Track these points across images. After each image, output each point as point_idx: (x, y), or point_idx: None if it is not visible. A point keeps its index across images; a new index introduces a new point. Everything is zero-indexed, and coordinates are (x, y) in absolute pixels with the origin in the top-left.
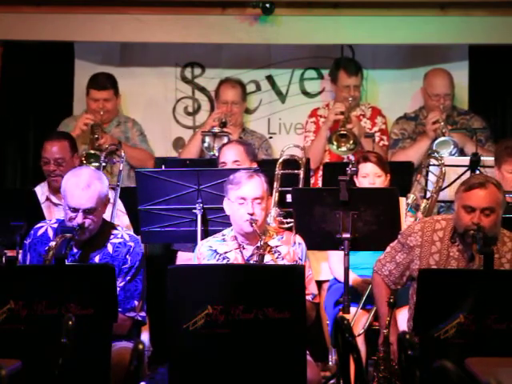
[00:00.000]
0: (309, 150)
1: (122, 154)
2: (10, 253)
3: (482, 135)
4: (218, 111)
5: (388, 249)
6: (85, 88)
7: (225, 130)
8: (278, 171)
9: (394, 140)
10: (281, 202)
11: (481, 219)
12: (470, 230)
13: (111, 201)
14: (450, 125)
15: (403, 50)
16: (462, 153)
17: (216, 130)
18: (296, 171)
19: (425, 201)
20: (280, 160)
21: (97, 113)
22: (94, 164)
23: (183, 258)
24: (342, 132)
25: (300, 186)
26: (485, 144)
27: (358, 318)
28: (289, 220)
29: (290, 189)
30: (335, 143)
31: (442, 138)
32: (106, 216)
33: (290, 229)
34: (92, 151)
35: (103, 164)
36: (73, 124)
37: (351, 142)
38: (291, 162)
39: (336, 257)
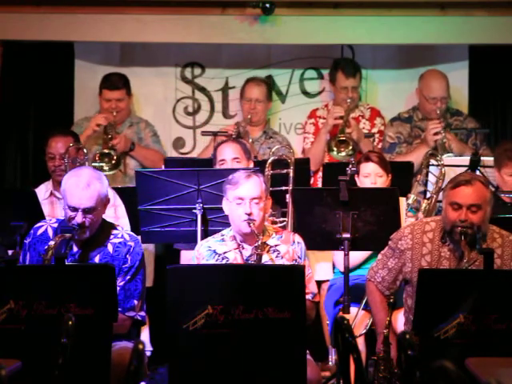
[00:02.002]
0: (308, 152)
1: (84, 152)
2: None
3: (477, 138)
4: (232, 125)
5: (379, 256)
6: (84, 88)
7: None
8: (268, 172)
9: (389, 144)
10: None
11: (468, 216)
12: (457, 226)
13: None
14: (448, 130)
15: (403, 50)
16: None
17: (233, 131)
18: (286, 170)
19: (425, 201)
20: (269, 161)
21: (109, 113)
22: (106, 164)
23: (187, 256)
24: (341, 138)
25: (290, 186)
26: (480, 148)
27: (359, 319)
28: (281, 219)
29: (282, 188)
30: (335, 149)
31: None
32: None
33: (283, 228)
34: (106, 150)
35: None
36: (85, 124)
37: (350, 147)
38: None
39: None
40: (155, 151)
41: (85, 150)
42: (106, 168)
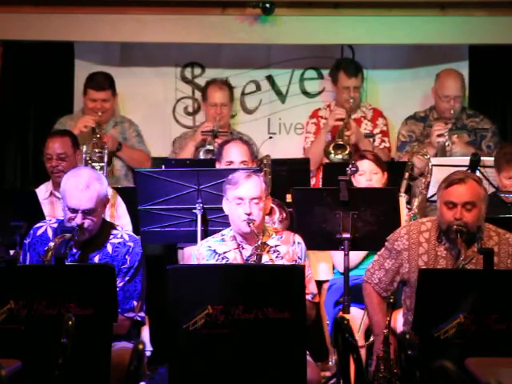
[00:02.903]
0: (308, 151)
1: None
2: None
3: (491, 141)
4: (206, 124)
5: (376, 257)
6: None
7: (217, 140)
8: None
9: (401, 142)
10: None
11: (463, 214)
12: (452, 225)
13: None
14: (457, 133)
15: (403, 50)
16: None
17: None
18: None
19: (416, 199)
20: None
21: (95, 113)
22: (98, 164)
23: (189, 253)
24: (338, 143)
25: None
26: (494, 150)
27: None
28: None
29: None
30: (332, 151)
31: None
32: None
33: None
34: (97, 150)
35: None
36: (69, 123)
37: (347, 151)
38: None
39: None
40: (141, 151)
41: (84, 148)
42: (98, 167)
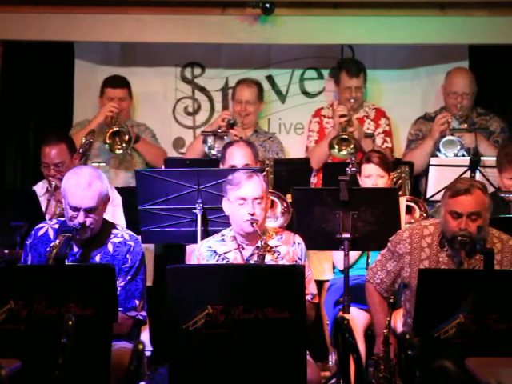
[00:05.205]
0: (313, 150)
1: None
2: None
3: (499, 137)
4: (227, 112)
5: (379, 257)
6: (84, 88)
7: (231, 131)
8: None
9: (409, 141)
10: None
11: (468, 225)
12: (457, 235)
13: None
14: (466, 125)
15: (403, 50)
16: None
17: (222, 128)
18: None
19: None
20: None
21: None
22: (117, 145)
23: (190, 250)
24: (343, 136)
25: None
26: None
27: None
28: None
29: None
30: (336, 147)
31: (449, 137)
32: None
33: None
34: (116, 128)
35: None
36: (86, 123)
37: (351, 146)
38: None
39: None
40: (158, 147)
41: (87, 141)
42: (118, 148)
